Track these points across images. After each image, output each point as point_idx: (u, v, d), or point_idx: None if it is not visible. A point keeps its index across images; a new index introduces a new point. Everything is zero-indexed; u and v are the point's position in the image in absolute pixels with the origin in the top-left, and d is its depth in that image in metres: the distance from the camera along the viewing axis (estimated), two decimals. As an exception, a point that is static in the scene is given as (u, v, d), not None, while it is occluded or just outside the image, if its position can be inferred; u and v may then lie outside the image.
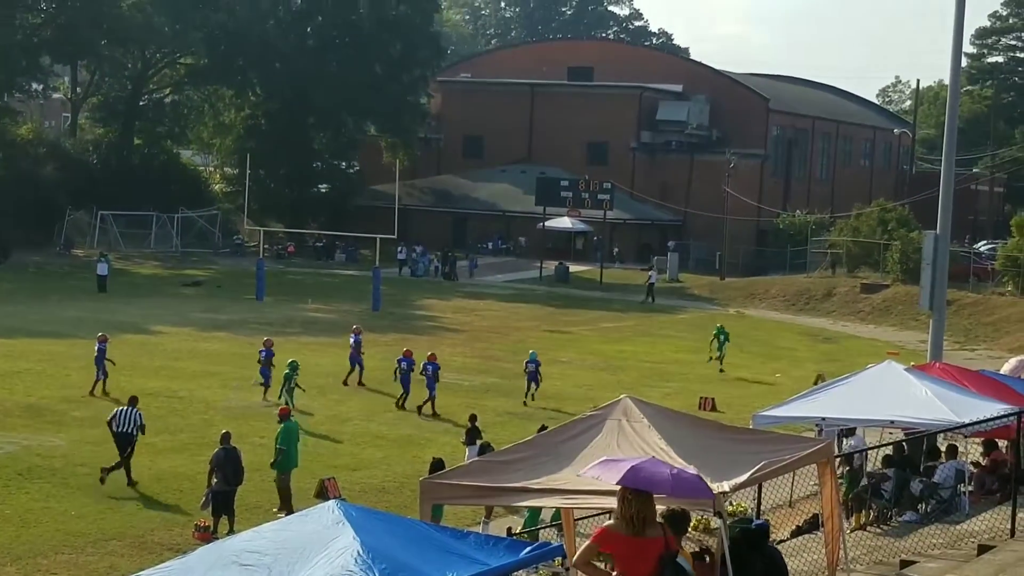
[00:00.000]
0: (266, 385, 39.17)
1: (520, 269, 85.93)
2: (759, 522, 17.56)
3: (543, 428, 25.90)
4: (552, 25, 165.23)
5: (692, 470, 11.28)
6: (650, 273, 77.57)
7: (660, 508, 11.83)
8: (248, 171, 75.17)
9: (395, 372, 40.21)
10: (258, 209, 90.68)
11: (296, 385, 37.46)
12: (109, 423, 29.23)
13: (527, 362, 42.18)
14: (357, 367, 42.58)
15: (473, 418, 31.92)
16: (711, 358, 51.53)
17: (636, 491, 10.86)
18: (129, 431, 28.93)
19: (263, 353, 39.68)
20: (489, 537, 11.53)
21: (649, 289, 75.22)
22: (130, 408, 29.47)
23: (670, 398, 41.08)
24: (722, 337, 52.00)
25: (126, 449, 28.84)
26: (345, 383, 42.16)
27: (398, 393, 39.67)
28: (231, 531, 24.56)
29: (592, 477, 11.36)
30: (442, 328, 58.19)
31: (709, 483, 12.90)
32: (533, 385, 41.57)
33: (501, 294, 74.65)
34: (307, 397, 39.00)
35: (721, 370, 50.44)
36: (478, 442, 29.81)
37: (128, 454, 28.86)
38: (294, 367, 37.40)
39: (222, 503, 25.66)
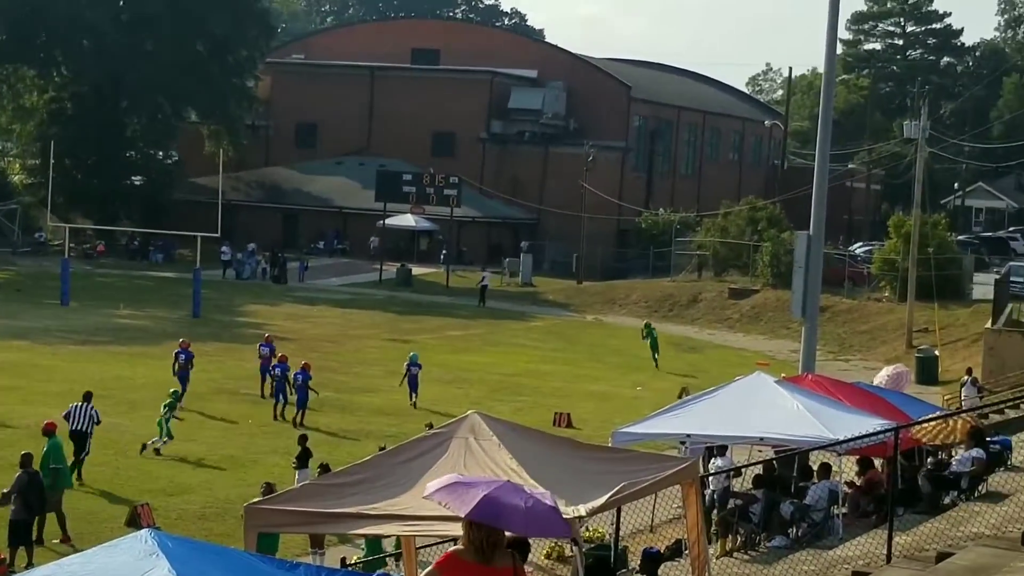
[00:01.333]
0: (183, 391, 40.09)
1: (357, 271, 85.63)
2: (652, 550, 17.78)
3: (382, 448, 25.87)
4: (394, 3, 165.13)
5: (549, 501, 11.26)
6: (483, 275, 78.04)
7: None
8: (52, 161, 73.74)
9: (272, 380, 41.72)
10: (63, 203, 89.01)
11: (174, 416, 36.33)
12: (65, 418, 31.61)
13: (408, 364, 43.87)
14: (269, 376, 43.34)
15: (303, 439, 31.82)
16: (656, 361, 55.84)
17: (485, 518, 10.87)
18: (84, 429, 31.45)
19: (182, 356, 41.77)
20: (321, 569, 11.47)
21: (481, 292, 75.74)
22: (85, 404, 31.92)
23: (522, 413, 41.23)
24: (645, 332, 56.17)
25: (83, 447, 31.03)
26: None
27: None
28: (29, 564, 24.07)
29: (438, 502, 11.31)
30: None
31: (564, 506, 12.96)
32: (414, 393, 43.36)
33: (336, 299, 74.30)
34: (117, 415, 38.40)
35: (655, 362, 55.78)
36: (311, 463, 29.63)
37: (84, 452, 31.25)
38: (176, 396, 36.99)
39: (22, 533, 25.12)
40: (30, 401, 39.91)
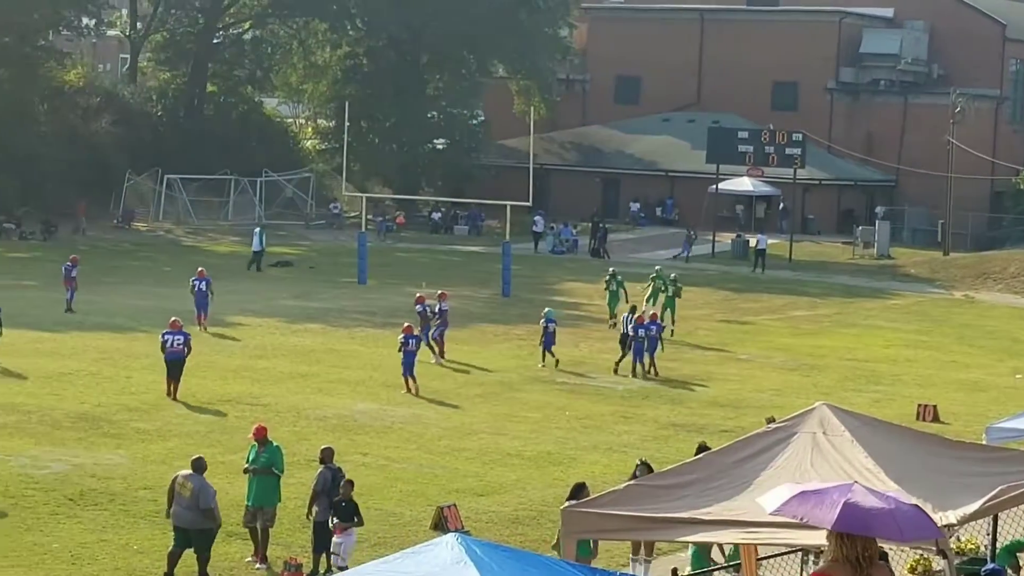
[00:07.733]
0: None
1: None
2: (991, 567, 17.30)
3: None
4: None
5: (907, 499, 11.06)
6: (757, 237, 77.99)
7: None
8: (347, 124, 75.62)
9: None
10: (359, 171, 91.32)
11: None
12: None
13: (544, 321, 46.37)
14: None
15: (350, 484, 25.88)
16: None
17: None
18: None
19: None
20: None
21: (758, 256, 76.42)
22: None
23: (879, 405, 40.68)
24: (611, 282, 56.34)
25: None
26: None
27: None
28: (328, 570, 24.81)
29: (792, 516, 11.14)
30: (588, 319, 58.07)
31: (930, 512, 12.71)
32: (548, 352, 45.98)
33: (663, 275, 74.28)
34: (420, 406, 39.30)
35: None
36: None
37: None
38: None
39: (328, 535, 25.57)
40: (326, 390, 41.02)
